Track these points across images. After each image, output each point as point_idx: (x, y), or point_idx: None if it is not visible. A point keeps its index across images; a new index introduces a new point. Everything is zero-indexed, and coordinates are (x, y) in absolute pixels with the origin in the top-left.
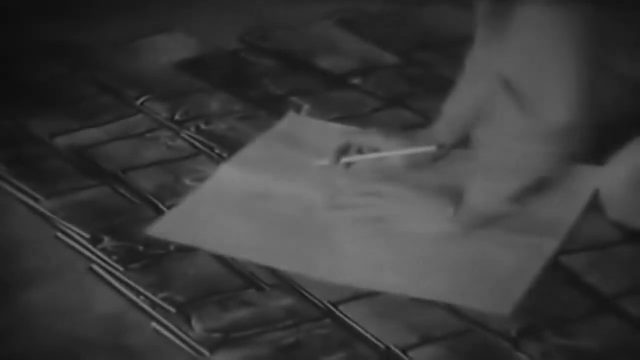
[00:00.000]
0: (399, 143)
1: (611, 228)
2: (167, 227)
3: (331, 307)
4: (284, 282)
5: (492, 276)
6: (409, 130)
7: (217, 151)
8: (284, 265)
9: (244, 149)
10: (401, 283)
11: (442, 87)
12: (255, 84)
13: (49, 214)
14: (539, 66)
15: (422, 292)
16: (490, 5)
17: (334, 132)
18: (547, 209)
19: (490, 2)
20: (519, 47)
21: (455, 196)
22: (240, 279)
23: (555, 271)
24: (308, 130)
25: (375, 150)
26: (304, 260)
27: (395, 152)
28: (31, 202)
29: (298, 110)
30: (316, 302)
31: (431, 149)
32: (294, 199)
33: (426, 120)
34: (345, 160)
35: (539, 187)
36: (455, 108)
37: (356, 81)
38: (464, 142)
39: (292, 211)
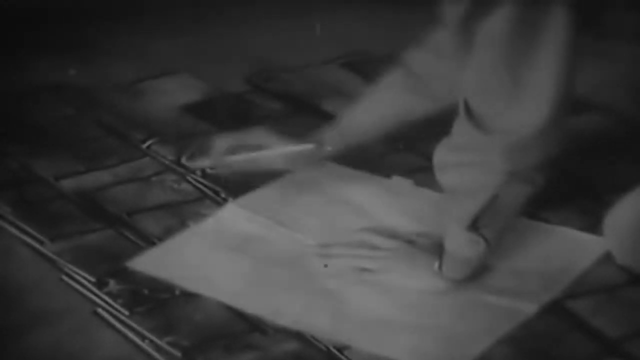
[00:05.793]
0: (283, 141)
1: (616, 271)
2: (149, 262)
3: (335, 352)
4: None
5: (453, 338)
6: (412, 173)
7: (223, 195)
8: (252, 309)
9: (258, 190)
10: (365, 338)
11: (446, 129)
12: (261, 126)
13: (53, 256)
14: (506, 76)
15: (382, 350)
16: (462, 20)
17: (349, 178)
18: (538, 271)
19: (463, 16)
20: (483, 61)
21: (439, 247)
22: (244, 323)
23: (561, 314)
24: (326, 176)
25: (258, 147)
26: (273, 306)
27: (272, 151)
28: (36, 245)
29: None
30: (320, 346)
31: (308, 146)
32: (288, 244)
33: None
34: (226, 160)
35: (495, 208)
36: (356, 116)
37: None
38: (352, 150)
39: (282, 256)
